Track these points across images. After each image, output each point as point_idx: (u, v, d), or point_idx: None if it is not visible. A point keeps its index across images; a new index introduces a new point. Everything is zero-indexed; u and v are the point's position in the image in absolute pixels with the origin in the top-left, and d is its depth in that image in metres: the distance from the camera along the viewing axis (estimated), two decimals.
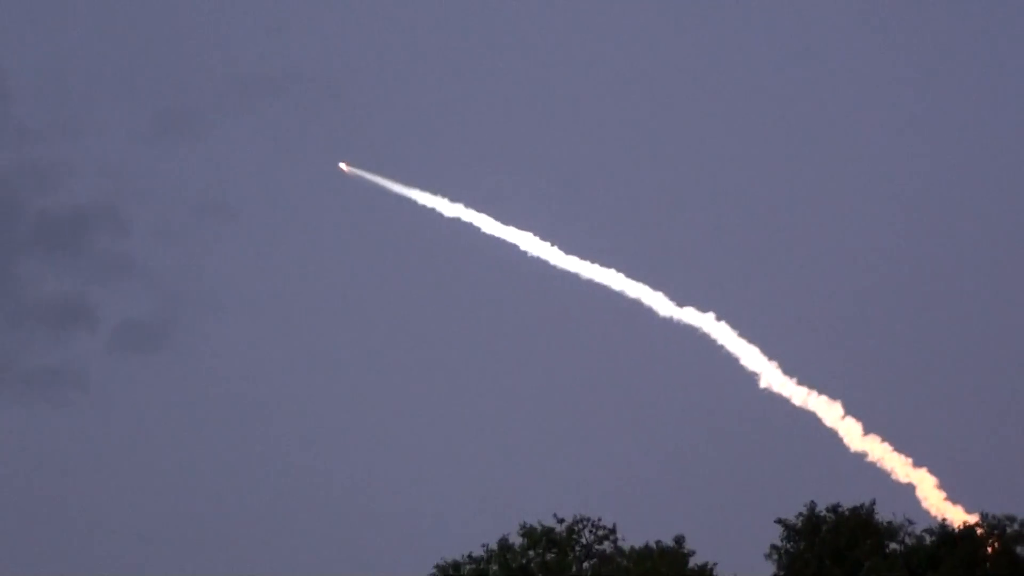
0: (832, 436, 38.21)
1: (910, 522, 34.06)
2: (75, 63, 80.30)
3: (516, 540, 31.07)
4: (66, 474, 63.24)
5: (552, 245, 40.17)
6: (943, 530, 33.90)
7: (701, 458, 57.86)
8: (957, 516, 34.87)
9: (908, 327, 66.43)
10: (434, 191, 40.23)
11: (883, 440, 37.79)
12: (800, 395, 38.75)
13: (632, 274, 40.22)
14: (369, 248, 72.57)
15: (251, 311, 73.34)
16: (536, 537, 30.82)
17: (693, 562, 32.44)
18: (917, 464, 37.82)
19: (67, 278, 78.42)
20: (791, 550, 33.50)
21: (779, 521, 33.78)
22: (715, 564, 32.92)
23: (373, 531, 55.47)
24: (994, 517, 33.79)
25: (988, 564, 32.24)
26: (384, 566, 44.91)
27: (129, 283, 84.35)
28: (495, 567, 30.22)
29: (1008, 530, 33.53)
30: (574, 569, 30.88)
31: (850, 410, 38.48)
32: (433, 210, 40.30)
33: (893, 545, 33.33)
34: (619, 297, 39.98)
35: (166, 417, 67.35)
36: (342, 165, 40.44)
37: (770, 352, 39.45)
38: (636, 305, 40.15)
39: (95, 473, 64.00)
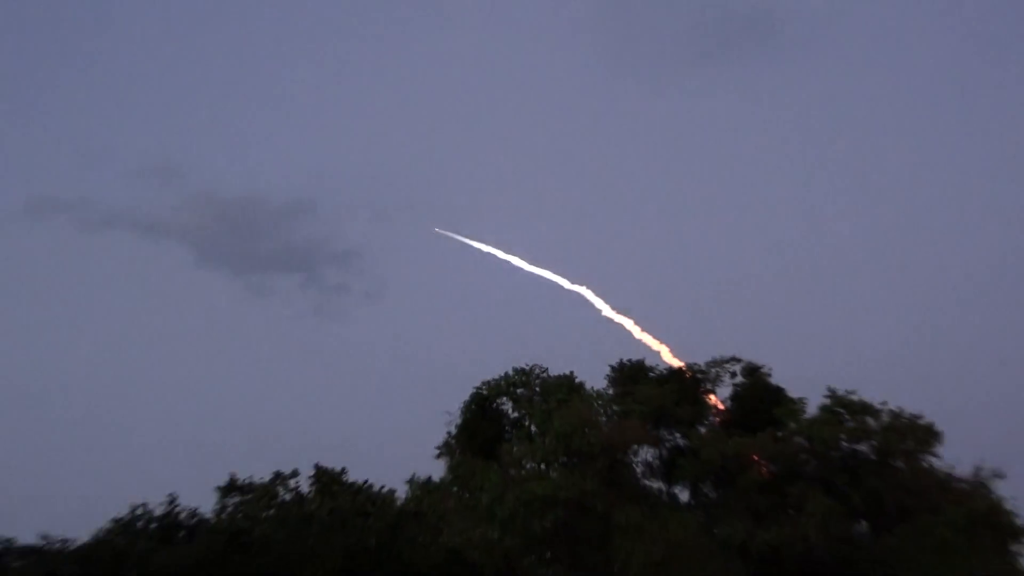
0: (581, 302, 58.11)
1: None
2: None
3: None
4: None
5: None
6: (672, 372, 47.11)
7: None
8: (672, 360, 49.77)
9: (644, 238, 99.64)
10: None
11: (626, 315, 55.50)
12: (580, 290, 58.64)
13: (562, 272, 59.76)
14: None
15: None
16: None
17: None
18: (642, 329, 54.21)
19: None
20: None
21: None
22: None
23: None
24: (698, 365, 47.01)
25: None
26: None
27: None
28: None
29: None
30: None
31: (602, 295, 57.31)
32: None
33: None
34: (559, 287, 59.42)
35: None
36: (437, 229, 62.33)
37: (574, 279, 58.80)
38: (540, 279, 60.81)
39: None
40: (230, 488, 30.34)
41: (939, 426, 40.70)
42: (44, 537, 26.12)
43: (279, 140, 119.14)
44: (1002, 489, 39.88)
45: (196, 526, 28.34)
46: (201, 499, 30.06)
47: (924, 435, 40.23)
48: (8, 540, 25.62)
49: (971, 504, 38.84)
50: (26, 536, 26.20)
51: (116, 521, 27.74)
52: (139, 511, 28.36)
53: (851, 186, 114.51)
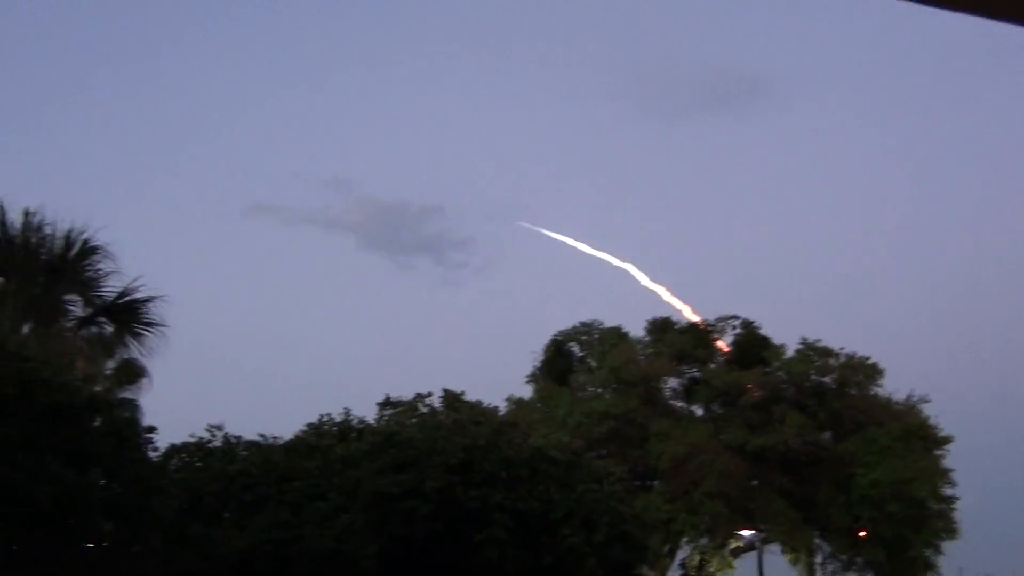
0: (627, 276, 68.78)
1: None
2: None
3: None
4: None
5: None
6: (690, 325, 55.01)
7: None
8: (691, 317, 57.23)
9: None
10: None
11: (659, 284, 63.92)
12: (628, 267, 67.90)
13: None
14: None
15: None
16: None
17: None
18: (671, 293, 62.22)
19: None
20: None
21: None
22: None
23: None
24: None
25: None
26: None
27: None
28: None
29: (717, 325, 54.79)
30: None
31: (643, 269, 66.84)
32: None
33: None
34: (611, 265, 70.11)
35: None
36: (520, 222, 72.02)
37: (623, 257, 69.96)
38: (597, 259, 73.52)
39: None
40: (386, 404, 34.65)
41: (882, 365, 50.54)
42: (261, 435, 29.67)
43: (419, 160, 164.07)
44: (928, 410, 49.90)
45: (363, 429, 31.59)
46: (366, 411, 33.95)
47: (871, 371, 50.10)
48: (238, 437, 29.40)
49: (906, 420, 48.46)
50: (249, 434, 29.87)
51: (309, 425, 31.57)
52: (325, 419, 31.87)
53: (806, 200, 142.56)
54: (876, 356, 50.80)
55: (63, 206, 35.57)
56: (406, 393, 35.57)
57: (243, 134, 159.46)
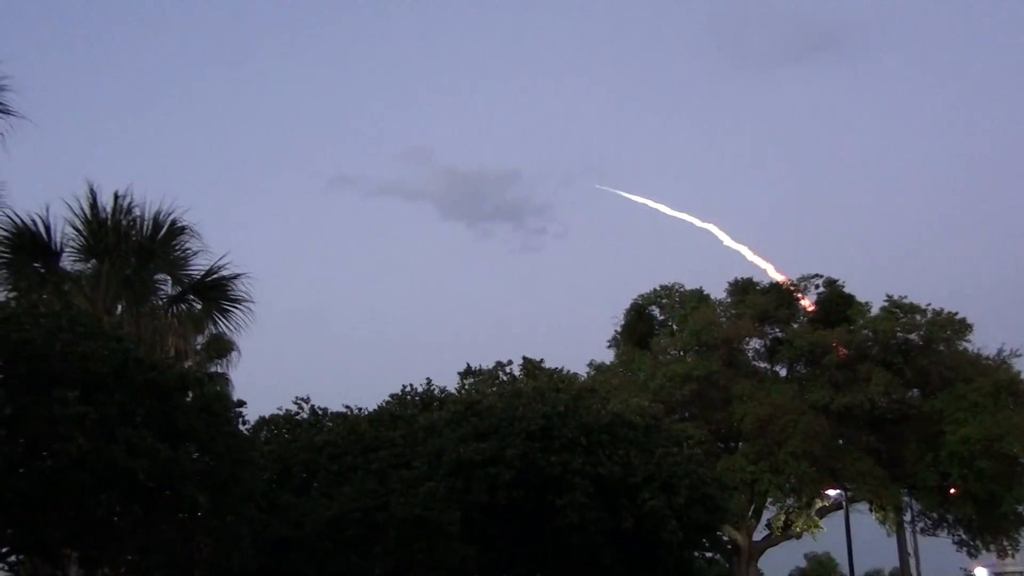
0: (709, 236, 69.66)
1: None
2: None
3: None
4: None
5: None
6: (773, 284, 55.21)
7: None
8: (775, 276, 57.89)
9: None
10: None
11: (742, 243, 65.13)
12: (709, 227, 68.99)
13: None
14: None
15: None
16: None
17: None
18: (754, 252, 63.27)
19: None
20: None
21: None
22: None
23: None
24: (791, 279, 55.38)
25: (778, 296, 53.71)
26: None
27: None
28: None
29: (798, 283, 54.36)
30: None
31: (725, 229, 67.97)
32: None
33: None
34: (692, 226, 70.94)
35: None
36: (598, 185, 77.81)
37: (704, 218, 71.56)
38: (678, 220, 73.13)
39: None
40: (466, 373, 36.26)
41: (971, 320, 49.69)
42: (347, 406, 29.82)
43: (496, 129, 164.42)
44: (1020, 364, 48.96)
45: (444, 398, 32.53)
46: (447, 380, 35.14)
47: (959, 326, 49.28)
48: (324, 408, 29.66)
49: (996, 376, 47.55)
50: (335, 406, 30.11)
51: (393, 396, 32.77)
52: (407, 388, 33.06)
53: (891, 154, 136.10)
54: (965, 311, 50.02)
55: (152, 187, 36.81)
56: (487, 360, 36.51)
57: (323, 109, 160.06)
